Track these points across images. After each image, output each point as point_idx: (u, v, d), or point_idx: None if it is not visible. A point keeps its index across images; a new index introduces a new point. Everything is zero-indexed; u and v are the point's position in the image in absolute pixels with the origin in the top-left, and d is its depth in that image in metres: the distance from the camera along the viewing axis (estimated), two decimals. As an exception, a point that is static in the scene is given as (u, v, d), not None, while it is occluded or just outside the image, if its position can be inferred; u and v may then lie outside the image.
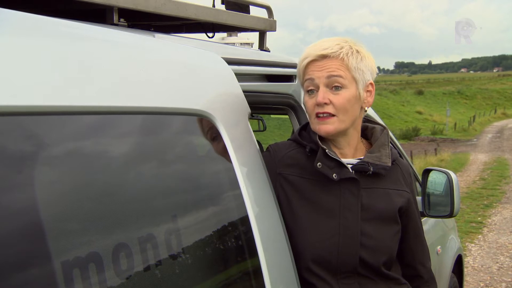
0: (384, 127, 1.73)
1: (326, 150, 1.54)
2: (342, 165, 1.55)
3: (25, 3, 1.37)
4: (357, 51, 1.54)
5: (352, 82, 1.53)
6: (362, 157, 1.62)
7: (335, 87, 1.51)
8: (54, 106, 0.95)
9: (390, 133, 1.90)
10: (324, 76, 1.51)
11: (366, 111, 1.63)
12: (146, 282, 1.08)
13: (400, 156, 1.82)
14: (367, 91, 1.59)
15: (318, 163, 1.54)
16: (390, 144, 1.67)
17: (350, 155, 1.63)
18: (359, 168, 1.58)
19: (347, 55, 1.52)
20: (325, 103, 1.50)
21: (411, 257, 1.72)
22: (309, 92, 1.55)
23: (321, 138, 1.58)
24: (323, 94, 1.50)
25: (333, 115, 1.52)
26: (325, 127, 1.53)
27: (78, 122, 1.02)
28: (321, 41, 1.57)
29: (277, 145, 1.71)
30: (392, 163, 1.62)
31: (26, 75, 0.91)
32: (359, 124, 1.64)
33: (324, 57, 1.52)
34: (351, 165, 1.58)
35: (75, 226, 0.97)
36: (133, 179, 1.14)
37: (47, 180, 0.94)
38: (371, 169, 1.57)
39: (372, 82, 1.60)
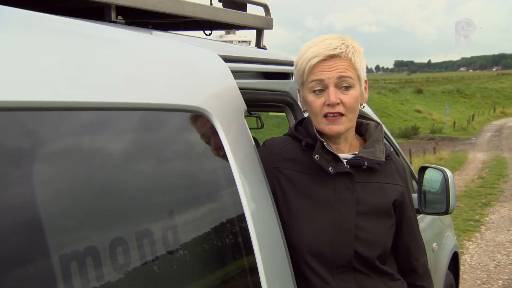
0: (378, 123, 1.75)
1: (324, 143, 1.56)
2: (338, 160, 1.58)
3: (23, 0, 1.38)
4: (358, 49, 1.57)
5: (357, 81, 1.56)
6: (356, 152, 1.64)
7: (345, 87, 1.53)
8: (52, 102, 0.96)
9: (386, 130, 1.93)
10: (334, 76, 1.52)
11: (363, 107, 1.66)
12: (142, 277, 1.10)
13: (396, 153, 1.84)
14: (364, 87, 1.63)
15: (316, 155, 1.56)
16: (384, 140, 1.69)
17: (346, 150, 1.65)
18: (354, 163, 1.60)
19: (353, 54, 1.54)
20: (337, 103, 1.52)
21: (405, 251, 1.73)
22: (316, 92, 1.55)
23: (319, 132, 1.60)
24: (334, 93, 1.52)
25: (343, 115, 1.54)
26: (337, 128, 1.55)
27: (75, 118, 1.03)
28: (324, 40, 1.57)
29: (273, 140, 1.73)
30: (386, 158, 1.64)
31: (25, 71, 0.92)
32: (355, 121, 1.66)
33: (332, 56, 1.53)
34: (346, 160, 1.61)
35: (74, 222, 0.98)
36: (129, 175, 1.15)
37: (47, 176, 0.95)
38: (366, 164, 1.59)
39: (366, 78, 1.64)
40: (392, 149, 1.74)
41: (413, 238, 1.75)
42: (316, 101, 1.55)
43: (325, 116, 1.54)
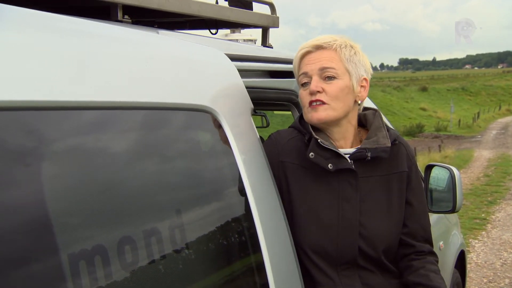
0: (376, 110, 1.73)
1: (319, 140, 1.55)
2: (339, 156, 1.56)
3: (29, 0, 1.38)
4: (351, 46, 1.59)
5: (345, 73, 1.56)
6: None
7: (328, 77, 1.55)
8: (58, 102, 0.96)
9: (386, 121, 1.92)
10: (317, 68, 1.55)
11: (359, 104, 1.65)
12: (149, 276, 1.10)
13: None
14: (361, 86, 1.61)
15: (311, 153, 1.55)
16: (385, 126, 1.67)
17: (348, 146, 1.64)
18: (357, 156, 1.58)
19: (340, 46, 1.56)
20: (318, 91, 1.53)
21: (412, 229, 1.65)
22: (304, 85, 1.58)
23: (317, 130, 1.60)
24: (316, 83, 1.54)
25: (325, 103, 1.54)
26: (317, 114, 1.55)
27: (81, 118, 1.04)
28: (317, 37, 1.61)
29: (279, 133, 1.72)
30: (393, 143, 1.62)
31: (30, 71, 0.92)
32: (354, 118, 1.65)
33: (317, 48, 1.56)
34: (348, 155, 1.59)
35: (80, 221, 0.98)
36: (137, 174, 1.15)
37: (52, 175, 0.95)
38: (369, 155, 1.57)
39: (367, 78, 1.62)
40: (398, 134, 1.71)
41: (418, 219, 1.67)
42: (303, 93, 1.58)
43: (310, 105, 1.56)
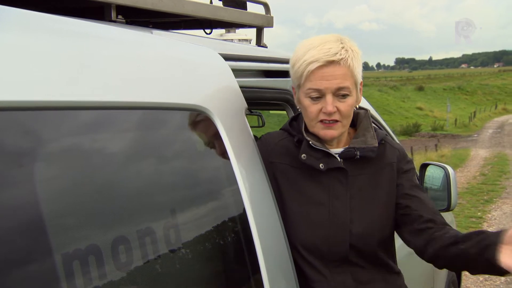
0: (367, 110, 1.74)
1: (310, 142, 1.57)
2: (329, 155, 1.59)
3: (23, 0, 1.38)
4: (357, 52, 1.55)
5: (354, 87, 1.56)
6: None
7: (342, 95, 1.52)
8: (52, 102, 0.96)
9: (377, 115, 1.92)
10: (333, 87, 1.50)
11: (356, 108, 1.66)
12: (144, 276, 1.10)
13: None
14: (359, 90, 1.61)
15: (303, 155, 1.58)
16: (373, 125, 1.68)
17: (341, 145, 1.65)
18: (346, 155, 1.61)
19: (352, 60, 1.52)
20: (334, 112, 1.53)
21: (419, 216, 1.61)
22: (312, 98, 1.54)
23: (307, 130, 1.61)
24: (331, 103, 1.51)
25: (338, 121, 1.55)
26: (331, 133, 1.56)
27: (76, 118, 1.04)
28: (324, 43, 1.52)
29: (270, 134, 1.74)
30: (380, 143, 1.64)
31: (25, 71, 0.92)
32: (349, 124, 1.65)
33: (331, 63, 1.49)
34: (338, 154, 1.61)
35: (76, 221, 0.98)
36: (130, 174, 1.15)
37: (47, 175, 0.95)
38: (358, 154, 1.59)
39: (362, 80, 1.62)
40: (386, 134, 1.72)
41: (428, 205, 1.64)
42: (312, 107, 1.54)
43: (321, 121, 1.55)
